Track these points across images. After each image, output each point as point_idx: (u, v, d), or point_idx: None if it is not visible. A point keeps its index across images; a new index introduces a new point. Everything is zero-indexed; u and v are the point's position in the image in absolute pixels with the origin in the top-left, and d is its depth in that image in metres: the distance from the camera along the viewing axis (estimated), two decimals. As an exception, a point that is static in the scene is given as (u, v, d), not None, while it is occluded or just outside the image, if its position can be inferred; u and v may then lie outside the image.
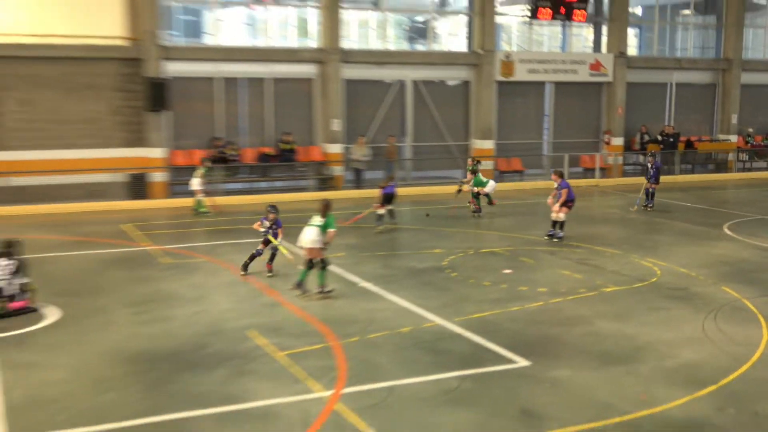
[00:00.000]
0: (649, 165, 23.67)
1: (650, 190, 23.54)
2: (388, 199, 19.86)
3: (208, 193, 22.82)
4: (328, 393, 9.56)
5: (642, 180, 24.41)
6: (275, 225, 14.95)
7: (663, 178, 30.31)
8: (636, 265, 16.38)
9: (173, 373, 10.26)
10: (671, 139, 31.78)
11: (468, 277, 15.35)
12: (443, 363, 10.65)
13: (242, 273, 15.13)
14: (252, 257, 15.11)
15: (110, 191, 24.39)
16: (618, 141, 31.45)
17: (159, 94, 24.56)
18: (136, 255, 17.31)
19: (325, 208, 13.52)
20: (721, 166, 33.60)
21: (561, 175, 19.31)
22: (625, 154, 31.78)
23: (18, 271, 12.83)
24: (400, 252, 17.72)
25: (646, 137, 31.87)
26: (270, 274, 15.01)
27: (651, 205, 23.59)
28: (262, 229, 14.96)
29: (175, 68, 25.43)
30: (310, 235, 13.32)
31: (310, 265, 13.47)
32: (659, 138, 31.92)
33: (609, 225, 21.77)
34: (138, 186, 24.66)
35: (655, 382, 9.99)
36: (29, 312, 12.59)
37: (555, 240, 18.53)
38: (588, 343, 11.52)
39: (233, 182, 25.95)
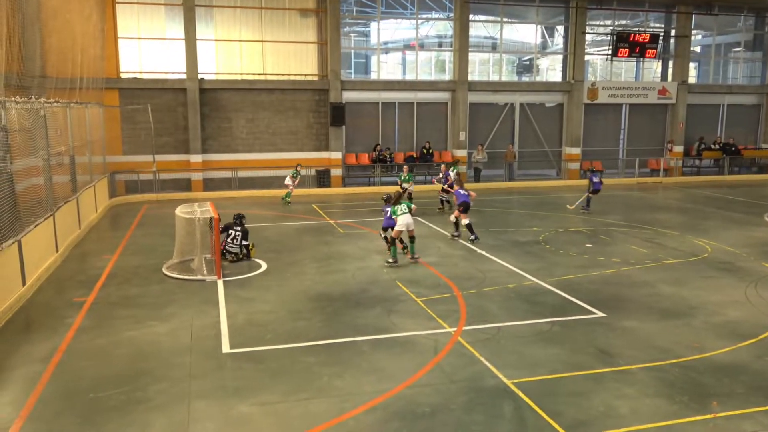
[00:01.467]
0: (594, 177, 19.90)
1: (590, 197, 20.03)
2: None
3: (292, 188, 21.96)
4: (452, 329, 9.49)
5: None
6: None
7: (715, 178, 28.42)
8: (691, 244, 15.36)
9: (343, 309, 10.48)
10: (731, 148, 29.65)
11: (558, 248, 14.85)
12: (538, 311, 10.38)
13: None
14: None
15: (304, 181, 25.12)
16: (679, 148, 29.58)
17: (339, 114, 25.15)
18: (321, 226, 17.77)
19: (398, 197, 13.59)
20: (764, 169, 30.97)
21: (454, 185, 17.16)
22: (684, 159, 29.82)
23: (244, 237, 13.53)
24: (507, 229, 17.33)
25: (703, 145, 29.86)
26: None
27: (587, 209, 20.03)
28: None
29: (350, 96, 25.89)
30: (409, 219, 13.10)
31: (412, 239, 13.36)
32: (712, 147, 29.85)
33: (670, 212, 20.51)
34: (323, 178, 25.30)
35: (705, 334, 9.38)
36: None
37: (458, 239, 15.70)
38: (651, 301, 10.92)
39: (388, 176, 26.15)
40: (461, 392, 7.45)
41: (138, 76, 23.87)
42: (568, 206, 20.65)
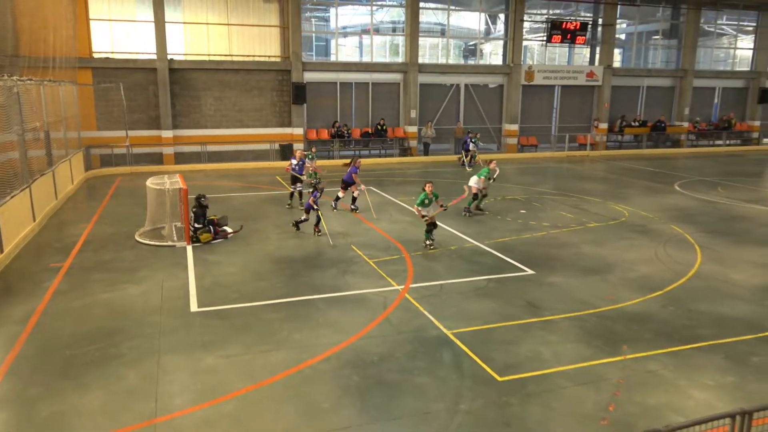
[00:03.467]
0: (468, 140, 24.17)
1: (466, 156, 23.80)
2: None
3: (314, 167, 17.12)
4: (400, 287, 9.58)
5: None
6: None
7: (633, 151, 29.07)
8: (611, 209, 15.78)
9: (302, 271, 10.46)
10: (661, 125, 30.36)
11: (496, 214, 15.07)
12: (476, 270, 10.56)
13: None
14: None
15: (269, 155, 24.79)
16: (604, 126, 30.13)
17: (300, 93, 24.71)
18: (283, 196, 17.56)
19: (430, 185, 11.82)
20: (676, 144, 31.85)
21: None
22: (608, 135, 30.41)
23: (196, 219, 12.34)
24: (451, 197, 17.47)
25: (624, 123, 30.48)
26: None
27: (466, 166, 23.45)
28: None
29: (310, 76, 25.43)
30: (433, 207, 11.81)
31: (432, 227, 11.83)
32: (633, 123, 30.51)
33: (595, 182, 20.98)
34: (286, 152, 24.89)
35: (619, 288, 9.70)
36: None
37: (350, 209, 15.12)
38: (575, 260, 11.22)
39: (346, 150, 25.97)
40: (406, 342, 7.58)
41: (110, 56, 22.96)
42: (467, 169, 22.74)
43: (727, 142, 32.63)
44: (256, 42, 24.76)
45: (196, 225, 12.31)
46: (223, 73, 24.19)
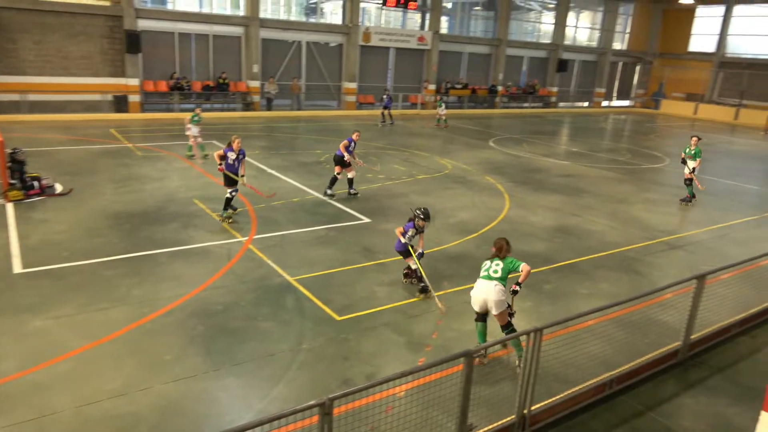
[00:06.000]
0: (385, 97, 24.79)
1: (386, 113, 24.50)
2: None
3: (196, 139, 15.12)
4: (244, 239, 9.36)
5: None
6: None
7: (458, 111, 30.73)
8: (437, 163, 16.68)
9: (142, 226, 9.75)
10: (531, 89, 32.17)
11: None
12: (317, 220, 10.62)
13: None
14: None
15: (101, 106, 22.33)
16: (432, 87, 31.45)
17: (134, 41, 22.33)
18: (119, 150, 16.07)
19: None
20: (490, 104, 34.12)
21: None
22: (437, 95, 31.81)
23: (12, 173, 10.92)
24: (294, 151, 17.26)
25: (449, 85, 32.06)
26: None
27: (388, 123, 24.20)
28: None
29: (146, 24, 23.06)
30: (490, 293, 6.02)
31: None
32: (456, 86, 32.22)
33: (424, 138, 21.95)
34: (120, 103, 22.63)
35: (442, 232, 10.35)
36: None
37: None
38: (405, 208, 11.69)
39: (187, 103, 24.23)
40: (251, 290, 7.48)
41: None
42: (379, 124, 23.29)
43: (532, 104, 35.91)
44: (81, -17, 21.78)
45: (11, 181, 10.79)
46: (42, 15, 20.96)
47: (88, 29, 21.97)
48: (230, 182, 10.12)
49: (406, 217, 11.04)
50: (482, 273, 6.06)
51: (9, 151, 11.02)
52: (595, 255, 9.59)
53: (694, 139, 13.32)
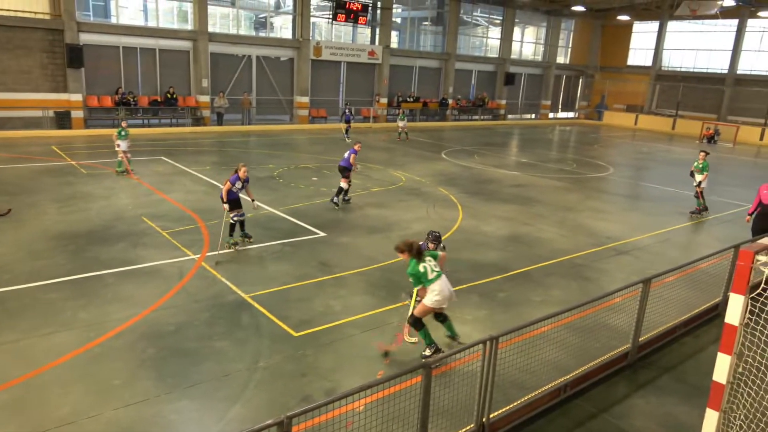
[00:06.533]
0: (347, 112, 24.71)
1: (348, 128, 24.32)
2: None
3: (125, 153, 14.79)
4: (196, 256, 9.15)
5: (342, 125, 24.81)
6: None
7: (410, 124, 30.96)
8: (391, 175, 16.80)
9: (88, 246, 9.40)
10: (481, 102, 32.59)
11: (290, 182, 15.10)
12: (273, 235, 10.52)
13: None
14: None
15: (42, 123, 21.47)
16: (384, 100, 31.75)
17: (76, 56, 21.67)
18: (63, 167, 15.48)
19: (417, 249, 6.38)
20: (441, 116, 34.64)
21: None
22: (388, 109, 32.11)
23: None
24: (247, 167, 16.99)
25: (401, 98, 32.38)
26: None
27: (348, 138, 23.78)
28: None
29: (88, 38, 22.42)
30: (446, 286, 6.29)
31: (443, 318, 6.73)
32: (408, 99, 32.60)
33: (377, 151, 22.08)
34: (63, 119, 21.83)
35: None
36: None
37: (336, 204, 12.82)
38: (361, 221, 11.77)
39: (133, 119, 23.62)
40: (204, 309, 7.30)
41: None
42: (346, 139, 23.28)
43: (482, 117, 36.72)
44: (18, -5, 20.98)
45: None
46: (-23, 29, 20.11)
47: (27, 43, 21.17)
48: (234, 206, 9.59)
49: (361, 229, 11.11)
50: (431, 275, 6.25)
51: None
52: (547, 263, 9.84)
53: (702, 153, 13.87)
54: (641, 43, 41.43)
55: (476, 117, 36.36)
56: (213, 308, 7.34)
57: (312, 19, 28.82)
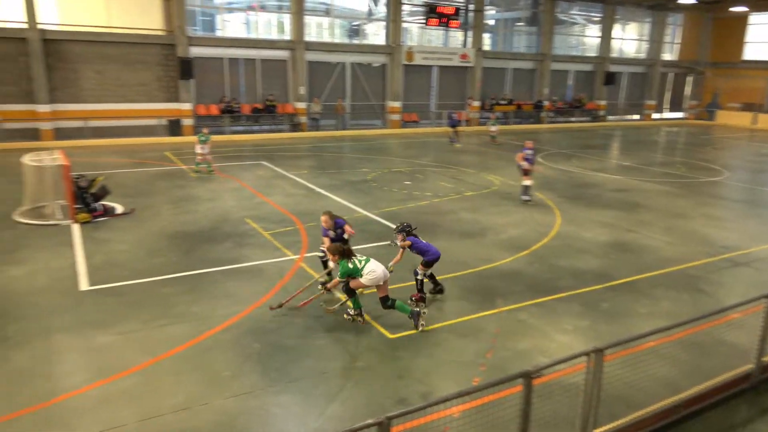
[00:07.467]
0: (453, 116, 25.31)
1: (455, 132, 24.20)
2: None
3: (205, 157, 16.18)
4: (296, 256, 9.49)
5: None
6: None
7: (503, 127, 30.45)
8: (484, 179, 16.57)
9: (197, 245, 10.04)
10: (578, 103, 32.01)
11: (383, 186, 15.30)
12: (366, 238, 10.67)
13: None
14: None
15: (156, 131, 23.29)
16: (476, 103, 31.40)
17: (187, 68, 23.33)
18: (174, 171, 16.69)
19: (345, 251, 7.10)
20: (536, 119, 33.70)
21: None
22: (480, 111, 31.73)
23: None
24: (341, 170, 17.49)
25: (493, 101, 31.90)
26: None
27: (452, 141, 23.97)
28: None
29: (197, 51, 24.08)
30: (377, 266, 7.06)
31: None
32: (500, 102, 32.02)
33: (470, 155, 21.88)
34: (174, 127, 23.58)
35: (493, 249, 10.23)
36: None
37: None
38: (454, 225, 11.69)
39: (236, 126, 25.06)
40: (304, 309, 7.56)
41: (-28, 23, 20.25)
42: (456, 145, 23.40)
43: (580, 118, 35.30)
44: (137, 13, 22.92)
45: (77, 206, 11.34)
46: (102, 46, 22.20)
47: (145, 58, 23.06)
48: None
49: (455, 233, 11.03)
50: (360, 264, 6.98)
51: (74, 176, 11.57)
52: (654, 272, 9.26)
53: None
54: (758, 35, 37.95)
55: (573, 119, 35.01)
56: (311, 307, 7.58)
57: (404, 25, 29.11)
